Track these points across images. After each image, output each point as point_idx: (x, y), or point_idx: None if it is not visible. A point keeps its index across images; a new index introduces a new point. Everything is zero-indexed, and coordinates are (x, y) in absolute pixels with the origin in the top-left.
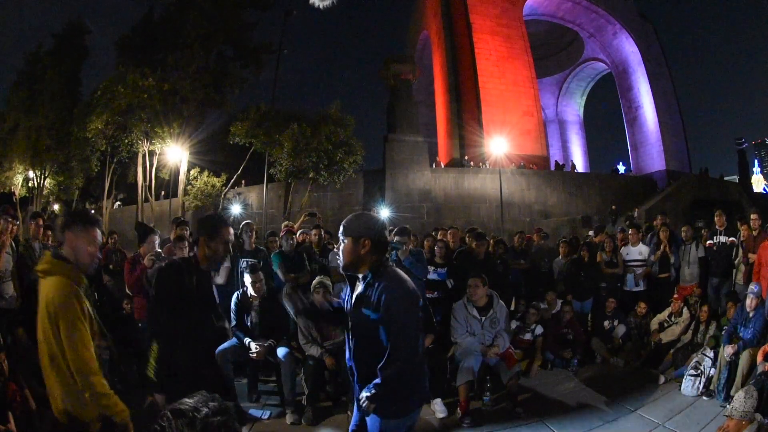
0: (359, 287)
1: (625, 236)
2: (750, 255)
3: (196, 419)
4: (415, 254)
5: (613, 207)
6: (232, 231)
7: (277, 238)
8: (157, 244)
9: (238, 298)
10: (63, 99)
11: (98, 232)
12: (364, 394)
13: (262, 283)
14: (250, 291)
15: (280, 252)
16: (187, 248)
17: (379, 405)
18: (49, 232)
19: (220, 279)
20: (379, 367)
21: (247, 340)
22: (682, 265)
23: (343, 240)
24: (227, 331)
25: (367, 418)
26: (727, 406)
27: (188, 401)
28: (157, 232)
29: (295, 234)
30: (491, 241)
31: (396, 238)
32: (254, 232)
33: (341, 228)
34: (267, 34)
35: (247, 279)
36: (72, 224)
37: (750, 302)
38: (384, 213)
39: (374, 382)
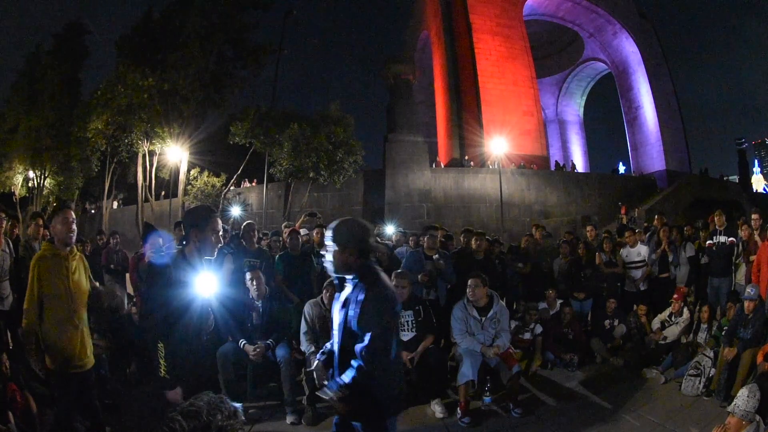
0: (347, 289)
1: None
2: (751, 255)
3: (212, 423)
4: (443, 257)
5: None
6: (220, 222)
7: (281, 238)
8: (160, 242)
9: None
10: (63, 99)
11: (71, 213)
12: (331, 392)
13: (261, 281)
14: (252, 292)
15: (284, 254)
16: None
17: (356, 408)
18: (47, 232)
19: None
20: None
21: (242, 342)
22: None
23: (332, 246)
24: (212, 326)
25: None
26: (728, 405)
27: (198, 403)
28: (160, 234)
29: (300, 234)
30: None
31: (426, 237)
32: (256, 233)
33: (330, 233)
34: (267, 34)
35: (247, 276)
36: (51, 218)
37: (748, 305)
38: (389, 230)
39: (341, 379)
